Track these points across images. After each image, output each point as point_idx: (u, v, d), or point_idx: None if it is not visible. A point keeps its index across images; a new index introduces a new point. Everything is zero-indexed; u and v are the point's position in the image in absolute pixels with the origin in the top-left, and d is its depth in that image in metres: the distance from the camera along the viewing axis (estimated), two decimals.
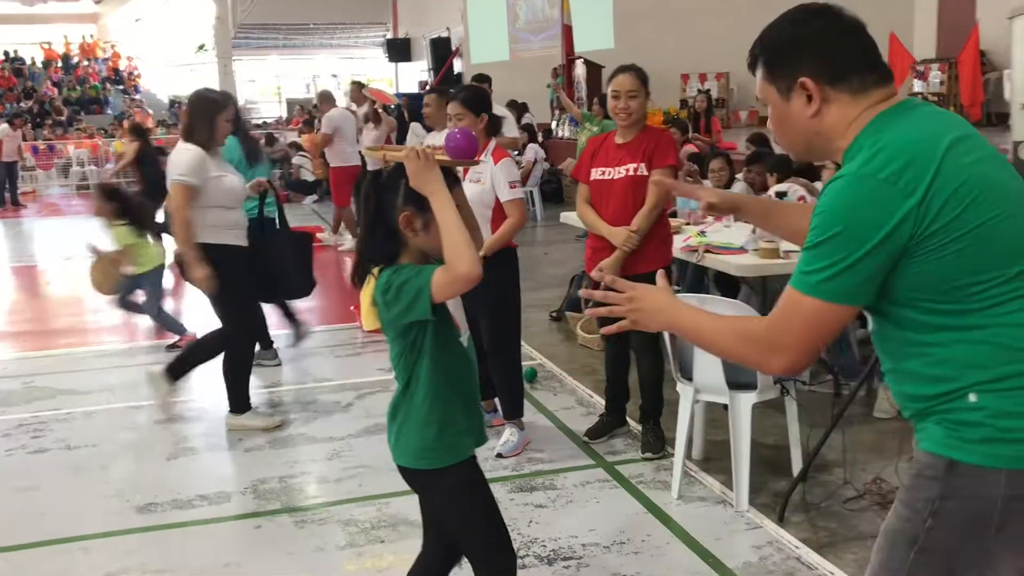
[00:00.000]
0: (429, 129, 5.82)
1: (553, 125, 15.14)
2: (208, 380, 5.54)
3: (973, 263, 1.54)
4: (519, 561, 2.53)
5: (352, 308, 6.74)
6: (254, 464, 4.17)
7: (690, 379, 3.67)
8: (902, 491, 1.68)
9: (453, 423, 2.27)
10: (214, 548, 3.39)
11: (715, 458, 4.01)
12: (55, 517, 3.68)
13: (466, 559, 2.41)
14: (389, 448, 2.34)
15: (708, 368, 3.54)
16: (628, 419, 4.39)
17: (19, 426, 4.73)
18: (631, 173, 4.00)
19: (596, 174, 4.12)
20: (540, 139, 13.91)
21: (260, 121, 23.61)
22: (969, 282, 1.55)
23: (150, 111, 25.93)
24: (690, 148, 8.68)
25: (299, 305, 5.85)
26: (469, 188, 3.67)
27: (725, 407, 4.08)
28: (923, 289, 1.57)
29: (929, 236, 1.53)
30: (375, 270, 2.21)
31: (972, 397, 1.58)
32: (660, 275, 1.89)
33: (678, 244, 5.02)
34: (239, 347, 4.61)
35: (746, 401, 3.53)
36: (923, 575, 1.63)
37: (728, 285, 5.26)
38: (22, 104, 25.20)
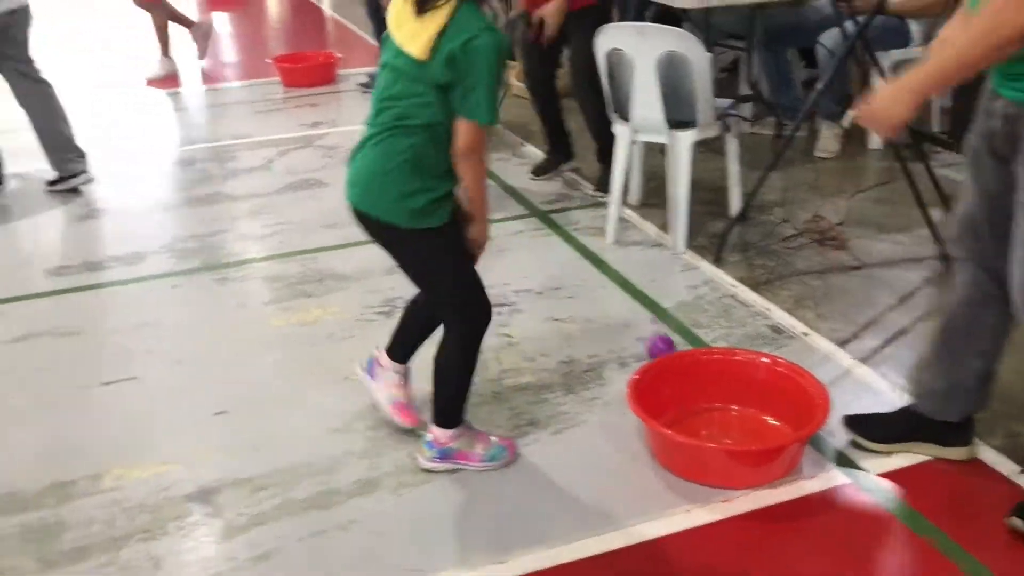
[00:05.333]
0: None
1: None
2: (120, 136, 5.20)
3: None
4: None
5: (269, 60, 6.29)
6: (171, 223, 3.95)
7: (627, 119, 3.46)
8: None
9: (449, 186, 2.07)
10: (128, 308, 3.23)
11: (651, 204, 3.90)
12: None
13: None
14: (361, 200, 2.08)
15: (647, 106, 3.33)
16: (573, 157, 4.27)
17: None
18: None
19: None
20: None
21: None
22: None
23: None
24: None
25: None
26: None
27: (663, 150, 3.94)
28: None
29: None
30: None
31: None
32: None
33: None
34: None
35: (685, 139, 3.35)
36: None
37: (670, 24, 4.94)
38: None
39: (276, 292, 3.29)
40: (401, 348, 2.43)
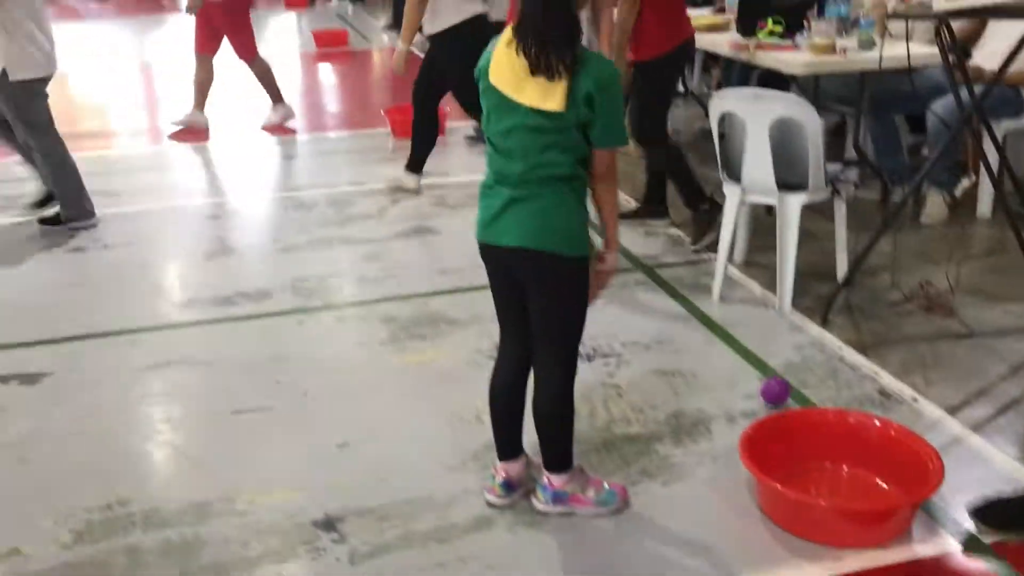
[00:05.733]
0: None
1: None
2: (251, 178, 5.51)
3: None
4: None
5: (383, 111, 6.57)
6: (292, 264, 4.17)
7: (737, 180, 3.55)
8: None
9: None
10: (258, 342, 3.43)
11: (756, 263, 3.96)
12: (100, 312, 3.72)
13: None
14: (532, 239, 2.17)
15: (757, 167, 3.41)
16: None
17: (55, 225, 4.72)
18: None
19: None
20: None
21: None
22: None
23: None
24: None
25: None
26: None
27: (768, 210, 4.01)
28: None
29: None
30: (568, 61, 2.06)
31: None
32: None
33: (724, 40, 4.78)
34: None
35: (795, 202, 3.42)
36: None
37: (775, 86, 5.02)
38: None
39: (392, 333, 3.45)
40: (518, 440, 2.46)
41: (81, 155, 4.77)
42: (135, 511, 2.45)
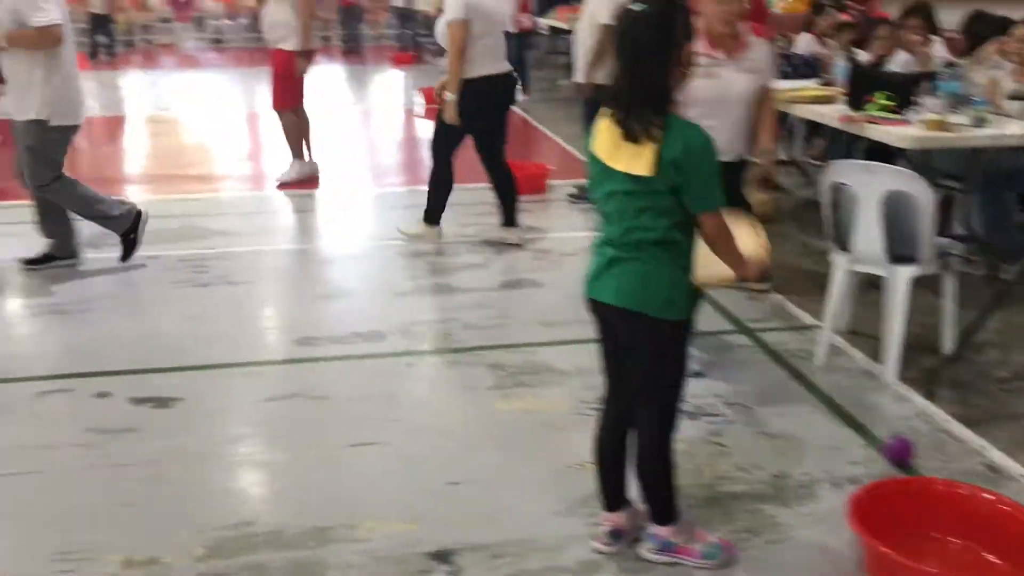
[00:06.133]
0: None
1: None
2: (360, 225, 5.75)
3: None
4: None
5: None
6: (403, 308, 4.34)
7: (846, 249, 3.60)
8: None
9: (689, 278, 2.31)
10: (370, 380, 3.59)
11: (860, 332, 3.97)
12: (222, 344, 3.94)
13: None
14: (607, 290, 2.29)
15: (868, 239, 3.46)
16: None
17: (181, 261, 5.02)
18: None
19: None
20: None
21: None
22: None
23: None
24: (843, 17, 8.20)
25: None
26: (742, 80, 3.58)
27: (872, 281, 4.03)
28: None
29: None
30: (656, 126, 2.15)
31: None
32: None
33: (832, 112, 4.85)
34: None
35: (906, 274, 3.45)
36: None
37: (881, 159, 5.04)
38: None
39: (499, 379, 3.57)
40: (623, 492, 2.54)
41: (194, 196, 5.02)
42: (260, 532, 2.60)
